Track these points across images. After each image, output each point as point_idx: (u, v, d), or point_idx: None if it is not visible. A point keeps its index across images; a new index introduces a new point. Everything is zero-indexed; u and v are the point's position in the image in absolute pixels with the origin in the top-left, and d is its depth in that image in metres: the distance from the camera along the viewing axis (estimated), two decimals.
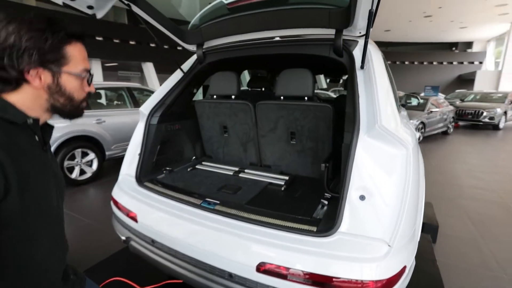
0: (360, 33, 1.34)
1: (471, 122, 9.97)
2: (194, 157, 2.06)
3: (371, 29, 1.22)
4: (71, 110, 0.72)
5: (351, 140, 1.07)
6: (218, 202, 1.32)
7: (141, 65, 14.00)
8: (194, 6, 1.82)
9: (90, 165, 4.24)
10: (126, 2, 1.51)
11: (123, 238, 1.51)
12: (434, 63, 22.29)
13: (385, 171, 1.03)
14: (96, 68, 11.99)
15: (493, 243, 2.63)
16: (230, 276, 1.09)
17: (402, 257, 1.02)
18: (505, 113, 9.73)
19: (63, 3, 1.39)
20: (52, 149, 3.76)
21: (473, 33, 19.29)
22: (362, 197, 1.03)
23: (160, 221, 1.29)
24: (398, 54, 22.98)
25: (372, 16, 1.10)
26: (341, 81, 4.20)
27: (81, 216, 3.08)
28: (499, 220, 3.11)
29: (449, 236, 2.72)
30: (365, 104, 1.16)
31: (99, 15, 1.54)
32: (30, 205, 0.61)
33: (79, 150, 4.07)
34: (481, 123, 9.69)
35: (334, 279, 0.95)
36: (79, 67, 0.69)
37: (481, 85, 17.75)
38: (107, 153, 4.41)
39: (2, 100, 0.62)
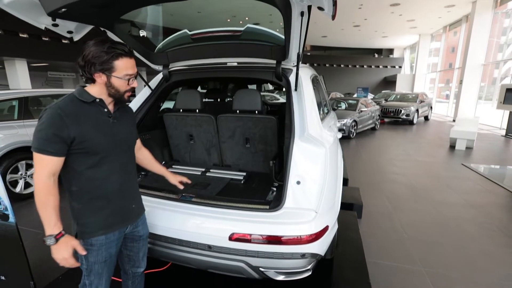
0: (293, 64, 1.83)
1: (393, 119, 11.84)
2: (163, 162, 2.35)
3: (300, 61, 1.72)
4: (119, 97, 1.20)
5: (289, 144, 1.54)
6: (193, 195, 1.68)
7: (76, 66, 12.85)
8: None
9: None
10: (102, 29, 1.75)
11: None
12: (365, 66, 25.30)
13: (312, 163, 1.52)
14: (21, 69, 10.71)
15: (400, 213, 3.48)
16: (209, 247, 1.47)
17: (325, 220, 1.53)
18: (417, 110, 11.80)
19: (45, 28, 1.58)
20: None
21: (393, 42, 22.55)
22: (298, 182, 1.51)
23: (148, 215, 1.58)
24: (335, 58, 25.45)
25: (299, 58, 1.60)
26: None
27: (36, 229, 3.03)
28: (405, 196, 4.06)
29: (372, 212, 3.49)
30: (298, 118, 1.66)
31: (76, 38, 1.75)
32: (89, 148, 1.12)
33: (23, 162, 3.86)
34: (400, 119, 11.58)
35: (282, 237, 1.41)
36: (122, 73, 1.14)
37: (401, 86, 20.89)
38: None
39: (82, 89, 1.16)
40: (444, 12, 13.59)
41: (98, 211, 1.20)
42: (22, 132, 3.86)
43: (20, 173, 3.85)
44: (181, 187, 1.67)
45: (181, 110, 2.19)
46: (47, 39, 11.03)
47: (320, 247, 1.50)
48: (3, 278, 2.01)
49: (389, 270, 2.37)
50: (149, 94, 2.12)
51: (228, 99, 3.35)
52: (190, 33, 1.96)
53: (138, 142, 1.53)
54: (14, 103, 4.00)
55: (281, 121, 2.04)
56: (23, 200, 3.83)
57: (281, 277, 1.49)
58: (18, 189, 3.83)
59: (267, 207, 1.53)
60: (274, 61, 1.85)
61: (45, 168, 1.06)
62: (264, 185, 1.91)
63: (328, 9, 1.21)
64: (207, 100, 3.31)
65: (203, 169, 2.17)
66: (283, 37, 1.69)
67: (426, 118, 13.22)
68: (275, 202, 1.56)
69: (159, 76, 2.19)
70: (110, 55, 1.10)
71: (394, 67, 25.02)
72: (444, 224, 3.22)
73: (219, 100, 3.17)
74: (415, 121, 11.66)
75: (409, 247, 2.74)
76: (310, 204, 1.49)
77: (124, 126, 1.27)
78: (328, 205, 1.59)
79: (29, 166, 3.93)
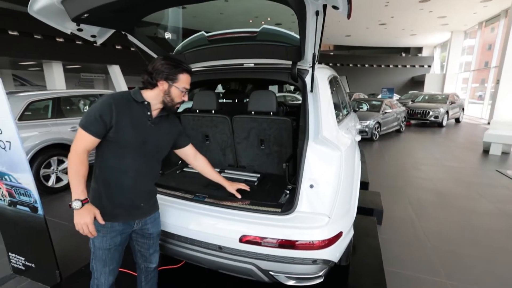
0: (309, 65, 1.78)
1: (420, 121, 11.27)
2: (180, 162, 2.40)
3: (317, 61, 1.68)
4: (171, 106, 1.33)
5: (303, 146, 1.51)
6: (206, 195, 1.70)
7: (106, 68, 13.54)
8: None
9: (66, 173, 4.29)
10: (123, 32, 1.83)
11: None
12: (391, 66, 24.33)
13: (326, 166, 1.48)
14: (57, 71, 11.46)
15: (424, 220, 3.30)
16: (220, 248, 1.48)
17: (339, 225, 1.48)
18: (447, 112, 11.14)
19: (71, 33, 1.68)
20: (27, 158, 3.79)
21: (422, 40, 21.48)
22: (311, 186, 1.47)
23: (162, 213, 1.62)
24: (359, 58, 24.72)
25: (315, 58, 1.56)
26: None
27: (65, 221, 3.22)
28: (431, 203, 3.84)
29: (393, 218, 3.34)
30: (313, 119, 1.62)
31: (99, 41, 1.85)
32: (121, 139, 1.24)
33: (55, 158, 4.12)
34: (428, 121, 10.98)
35: (293, 242, 1.38)
36: (182, 85, 1.31)
37: (429, 86, 19.83)
38: None
39: (138, 90, 1.31)
40: (480, 7, 12.73)
41: (110, 198, 1.31)
42: (55, 130, 4.13)
43: (52, 168, 4.11)
44: (239, 196, 1.70)
45: (197, 111, 2.23)
46: (80, 42, 11.71)
47: (333, 254, 1.45)
48: (33, 265, 2.16)
49: (409, 280, 2.25)
50: None
51: (246, 100, 3.37)
52: (206, 34, 1.99)
53: (192, 149, 1.63)
54: (48, 103, 4.29)
55: (298, 123, 2.00)
56: (54, 194, 4.09)
57: (291, 282, 1.46)
58: (50, 183, 4.10)
59: (279, 210, 1.51)
60: (290, 62, 1.82)
61: (83, 143, 1.20)
62: (277, 187, 1.89)
63: (343, 7, 1.17)
64: (225, 101, 3.34)
65: (218, 170, 2.19)
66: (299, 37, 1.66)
67: (457, 120, 12.45)
68: (287, 206, 1.54)
69: None
70: (177, 69, 1.28)
71: (423, 66, 23.83)
72: (473, 234, 3.01)
73: (236, 101, 3.19)
74: (444, 124, 11.02)
75: (432, 257, 2.58)
76: (323, 209, 1.45)
77: (160, 133, 1.38)
78: (343, 210, 1.54)
79: (60, 162, 4.19)
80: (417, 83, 22.79)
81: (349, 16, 1.21)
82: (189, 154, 1.63)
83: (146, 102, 1.30)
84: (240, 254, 1.45)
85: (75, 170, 1.18)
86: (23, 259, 2.19)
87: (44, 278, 2.14)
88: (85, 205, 1.18)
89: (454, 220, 3.32)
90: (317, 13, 1.31)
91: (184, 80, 1.31)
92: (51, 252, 2.04)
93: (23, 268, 2.21)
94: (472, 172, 5.32)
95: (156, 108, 1.33)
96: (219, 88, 4.42)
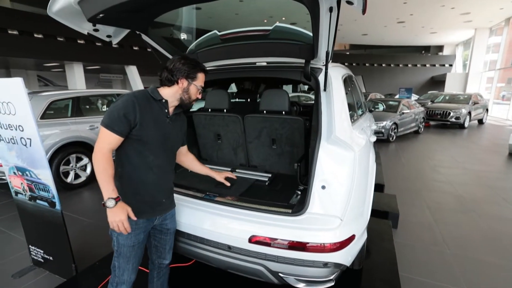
0: (323, 63, 1.74)
1: (440, 122, 10.82)
2: None
3: (330, 59, 1.64)
4: (187, 103, 1.39)
5: (315, 146, 1.47)
6: (217, 194, 1.69)
7: (124, 68, 13.93)
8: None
9: (84, 169, 4.44)
10: (137, 32, 1.86)
11: None
12: (409, 65, 23.56)
13: (338, 167, 1.44)
14: (78, 71, 11.90)
15: (443, 225, 3.15)
16: (229, 248, 1.47)
17: (351, 228, 1.43)
18: (469, 113, 10.63)
19: (88, 33, 1.73)
20: (48, 155, 3.94)
21: (443, 38, 20.66)
22: (323, 187, 1.44)
23: None
24: (375, 57, 24.11)
25: (328, 56, 1.52)
26: None
27: (82, 217, 3.32)
28: (450, 207, 3.67)
29: (409, 222, 3.22)
30: (326, 119, 1.58)
31: (114, 41, 1.89)
32: (144, 136, 1.27)
33: (74, 155, 4.26)
34: (448, 123, 10.52)
35: (303, 244, 1.35)
36: (199, 84, 1.38)
37: (451, 86, 19.04)
38: None
39: (155, 89, 1.35)
40: (507, 2, 12.08)
41: (133, 195, 1.32)
42: (74, 128, 4.28)
43: (71, 165, 4.25)
44: (228, 184, 1.77)
45: (209, 110, 2.24)
46: (99, 44, 12.10)
47: (344, 257, 1.41)
48: (51, 258, 2.24)
49: (426, 287, 2.16)
50: None
51: (259, 99, 3.35)
52: (219, 33, 1.99)
53: (185, 148, 1.68)
54: (68, 102, 4.45)
55: (311, 122, 1.97)
56: (73, 190, 4.24)
57: (301, 285, 1.43)
58: (69, 180, 4.24)
59: (290, 211, 1.48)
60: (303, 60, 1.79)
61: (107, 142, 1.22)
62: (289, 187, 1.86)
63: (358, 2, 1.13)
64: (237, 100, 3.34)
65: (229, 169, 2.19)
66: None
67: (481, 121, 11.88)
68: (298, 206, 1.51)
69: None
70: (196, 68, 1.35)
71: (444, 65, 22.91)
72: (496, 241, 2.84)
73: (249, 100, 3.19)
74: (466, 125, 10.52)
75: (451, 264, 2.47)
76: (336, 211, 1.41)
77: (175, 129, 1.44)
78: (356, 212, 1.49)
79: (79, 159, 4.33)
80: (437, 82, 21.94)
81: (364, 11, 1.17)
82: (182, 152, 1.67)
83: (164, 100, 1.34)
84: (249, 254, 1.43)
85: (103, 169, 1.19)
86: (42, 251, 2.28)
87: (61, 270, 2.22)
88: (118, 203, 1.20)
89: (476, 226, 3.16)
90: (330, 9, 1.27)
91: (201, 79, 1.37)
92: (67, 246, 2.10)
93: (42, 261, 2.30)
94: (497, 176, 5.05)
95: (171, 105, 1.37)
96: (233, 88, 4.43)
